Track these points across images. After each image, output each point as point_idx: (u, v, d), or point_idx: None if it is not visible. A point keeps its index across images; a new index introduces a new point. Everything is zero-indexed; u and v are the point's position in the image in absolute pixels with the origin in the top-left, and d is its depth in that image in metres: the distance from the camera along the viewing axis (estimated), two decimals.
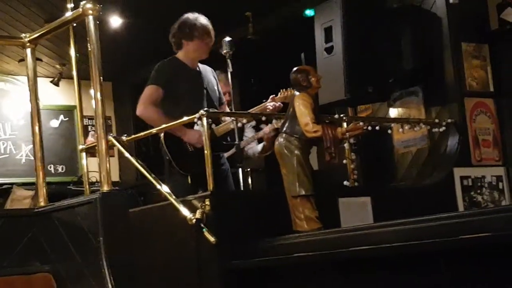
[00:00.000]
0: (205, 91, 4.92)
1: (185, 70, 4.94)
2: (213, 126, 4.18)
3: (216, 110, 4.64)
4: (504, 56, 5.51)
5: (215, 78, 5.05)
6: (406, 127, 4.97)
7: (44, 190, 3.83)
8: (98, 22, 3.41)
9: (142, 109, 4.86)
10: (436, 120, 5.15)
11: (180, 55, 4.98)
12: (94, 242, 3.24)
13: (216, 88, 5.01)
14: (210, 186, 3.99)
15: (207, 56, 4.97)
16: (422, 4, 5.47)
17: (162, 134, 4.57)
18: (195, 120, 4.15)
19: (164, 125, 4.53)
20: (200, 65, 5.04)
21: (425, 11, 5.43)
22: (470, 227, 2.69)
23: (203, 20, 4.91)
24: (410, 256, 2.99)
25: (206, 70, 5.04)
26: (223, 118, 4.49)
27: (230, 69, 4.65)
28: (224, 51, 4.73)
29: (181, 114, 4.36)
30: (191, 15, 4.94)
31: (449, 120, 5.14)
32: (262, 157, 5.49)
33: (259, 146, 5.30)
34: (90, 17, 3.39)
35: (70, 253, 3.42)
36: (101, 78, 3.41)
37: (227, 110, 5.04)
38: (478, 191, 5.17)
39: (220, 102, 5.06)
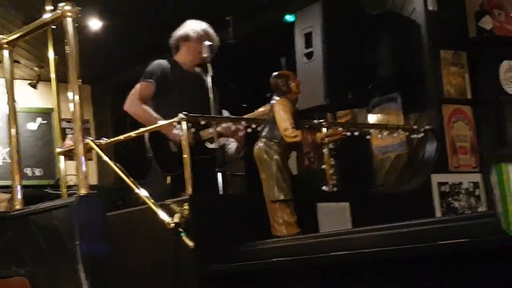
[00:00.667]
0: (200, 93, 4.90)
1: (180, 71, 4.94)
2: (200, 130, 4.16)
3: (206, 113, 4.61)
4: (481, 63, 5.55)
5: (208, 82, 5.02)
6: (385, 133, 4.98)
7: (20, 193, 3.79)
8: (76, 24, 3.39)
9: (129, 104, 4.85)
10: (415, 127, 5.17)
11: (177, 57, 5.00)
12: (71, 246, 3.21)
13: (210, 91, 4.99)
14: (189, 189, 3.97)
15: (202, 60, 4.94)
16: (402, 11, 5.50)
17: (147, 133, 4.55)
18: (174, 124, 4.13)
19: (143, 129, 4.50)
20: (198, 69, 5.03)
21: (404, 18, 5.46)
22: (448, 232, 2.70)
23: (203, 24, 4.95)
24: (388, 261, 2.99)
25: (202, 73, 5.02)
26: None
27: (210, 74, 4.65)
28: (205, 55, 4.72)
29: (173, 114, 4.34)
30: (193, 21, 4.99)
31: (427, 127, 5.16)
32: (242, 161, 5.48)
33: (234, 147, 5.28)
34: (69, 19, 3.38)
35: (46, 257, 3.38)
36: (80, 80, 3.39)
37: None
38: (455, 197, 5.19)
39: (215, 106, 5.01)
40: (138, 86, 4.88)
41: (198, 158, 4.21)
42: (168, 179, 4.69)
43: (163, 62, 4.95)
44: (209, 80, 4.96)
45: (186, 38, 4.95)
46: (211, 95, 4.91)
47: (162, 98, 4.83)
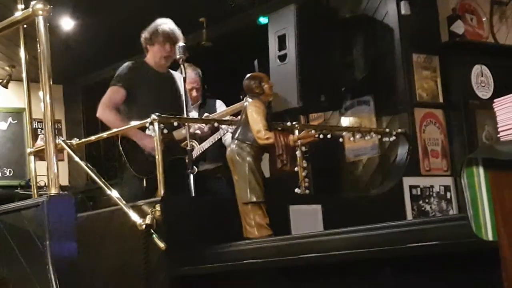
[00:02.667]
0: (171, 97, 4.87)
1: (150, 73, 4.90)
2: (173, 131, 4.14)
3: (179, 115, 4.60)
4: (453, 68, 5.60)
5: (182, 85, 5.00)
6: (357, 136, 5.00)
7: None
8: (48, 23, 3.35)
9: (101, 111, 4.81)
10: (387, 130, 5.20)
11: (147, 59, 4.97)
12: (41, 246, 3.17)
13: (183, 94, 4.97)
14: (161, 191, 3.95)
15: (167, 63, 4.92)
16: (375, 14, 5.54)
17: (119, 136, 4.52)
18: (147, 124, 4.11)
19: (115, 129, 4.48)
20: (171, 71, 5.00)
21: (377, 22, 5.50)
22: (418, 235, 2.71)
23: (167, 26, 4.89)
24: (359, 263, 3.00)
25: (175, 76, 5.00)
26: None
27: (183, 75, 4.63)
28: (177, 56, 4.70)
29: (144, 118, 4.32)
30: (160, 20, 4.93)
31: (399, 130, 5.20)
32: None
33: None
34: (40, 17, 3.33)
35: (15, 257, 3.34)
36: (51, 80, 3.36)
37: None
38: (427, 201, 5.23)
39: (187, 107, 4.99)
40: (108, 91, 4.84)
41: (171, 159, 4.19)
42: (144, 183, 4.66)
43: (132, 64, 4.91)
44: (181, 81, 4.94)
45: (150, 40, 4.91)
46: (183, 97, 4.90)
47: (133, 101, 4.80)
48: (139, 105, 4.76)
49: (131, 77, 4.83)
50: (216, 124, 4.55)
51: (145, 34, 4.93)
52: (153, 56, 4.91)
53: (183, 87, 4.88)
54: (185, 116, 4.62)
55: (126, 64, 4.92)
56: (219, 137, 5.13)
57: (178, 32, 4.89)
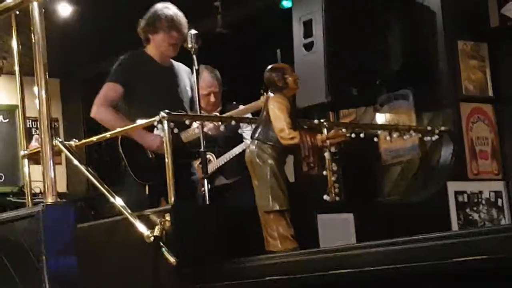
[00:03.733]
0: (174, 91, 4.89)
1: (151, 66, 4.91)
2: (181, 132, 4.16)
3: (181, 112, 4.62)
4: (504, 56, 5.57)
5: (189, 79, 5.01)
6: (395, 135, 4.99)
7: None
8: (43, 9, 3.38)
9: (96, 110, 4.84)
10: (428, 128, 5.19)
11: (148, 49, 4.97)
12: (36, 262, 3.21)
13: (189, 89, 4.98)
14: (171, 199, 3.97)
15: (174, 52, 4.93)
16: None
17: (119, 136, 4.55)
18: (155, 123, 4.13)
19: (119, 129, 4.50)
20: (174, 62, 5.01)
21: (417, 4, 5.48)
22: (465, 248, 2.71)
23: (170, 11, 4.88)
24: (396, 280, 3.00)
25: (180, 69, 5.01)
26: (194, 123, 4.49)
27: (195, 67, 4.64)
28: (189, 45, 4.71)
29: (144, 116, 4.34)
30: (160, 5, 4.92)
31: (442, 128, 5.18)
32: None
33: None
34: (35, 4, 3.37)
35: (8, 273, 3.38)
36: (47, 74, 3.39)
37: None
38: (475, 208, 5.21)
39: (193, 104, 5.01)
40: (103, 88, 4.86)
41: (178, 163, 4.19)
42: (147, 190, 4.68)
43: (131, 57, 4.91)
44: (189, 74, 4.96)
45: (152, 28, 4.90)
46: (190, 92, 4.92)
47: (132, 98, 4.82)
48: (139, 102, 4.78)
49: (128, 70, 4.85)
50: (233, 123, 4.55)
51: (143, 23, 4.92)
52: (156, 46, 4.91)
53: (192, 81, 4.90)
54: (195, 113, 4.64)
55: (123, 56, 4.93)
56: (240, 151, 5.14)
57: (183, 17, 4.90)
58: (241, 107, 5.28)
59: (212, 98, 5.48)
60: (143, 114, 4.42)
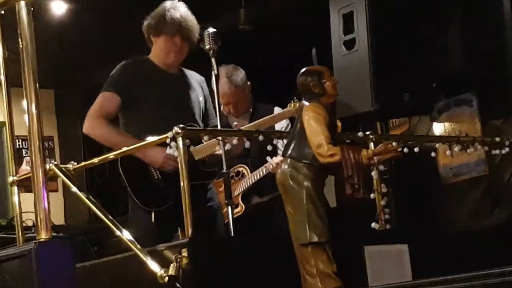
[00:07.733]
0: (183, 102, 4.91)
1: (155, 73, 4.94)
2: (191, 148, 4.17)
3: (194, 127, 4.63)
4: None
5: (202, 88, 5.03)
6: (456, 148, 4.97)
7: None
8: (32, 7, 3.41)
9: (88, 124, 4.87)
10: (497, 139, 5.16)
11: (151, 55, 5.01)
12: None
13: (202, 100, 5.00)
14: (189, 231, 3.97)
15: (176, 61, 4.95)
16: None
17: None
18: (167, 140, 4.14)
19: (125, 148, 4.52)
20: (185, 70, 5.05)
21: None
22: None
23: (177, 12, 4.90)
24: None
25: (192, 77, 5.03)
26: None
27: (214, 71, 4.66)
28: (207, 46, 4.73)
29: (147, 131, 4.35)
30: (168, 4, 4.94)
31: None
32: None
33: None
34: (22, 3, 3.39)
35: None
36: (37, 84, 3.41)
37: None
38: None
39: (207, 118, 5.02)
40: (98, 99, 4.89)
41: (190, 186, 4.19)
42: (152, 217, 4.70)
43: (132, 63, 4.95)
44: (204, 83, 4.98)
45: (155, 29, 4.93)
46: (203, 103, 4.94)
47: (131, 110, 4.84)
48: (139, 115, 4.80)
49: (126, 78, 4.88)
50: (261, 138, 4.55)
51: (148, 20, 4.96)
52: (158, 50, 4.95)
53: (205, 91, 4.92)
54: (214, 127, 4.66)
55: (122, 63, 4.96)
56: (270, 168, 5.15)
57: (192, 21, 4.91)
58: (276, 110, 5.28)
59: (232, 109, 5.52)
60: (145, 128, 4.44)
